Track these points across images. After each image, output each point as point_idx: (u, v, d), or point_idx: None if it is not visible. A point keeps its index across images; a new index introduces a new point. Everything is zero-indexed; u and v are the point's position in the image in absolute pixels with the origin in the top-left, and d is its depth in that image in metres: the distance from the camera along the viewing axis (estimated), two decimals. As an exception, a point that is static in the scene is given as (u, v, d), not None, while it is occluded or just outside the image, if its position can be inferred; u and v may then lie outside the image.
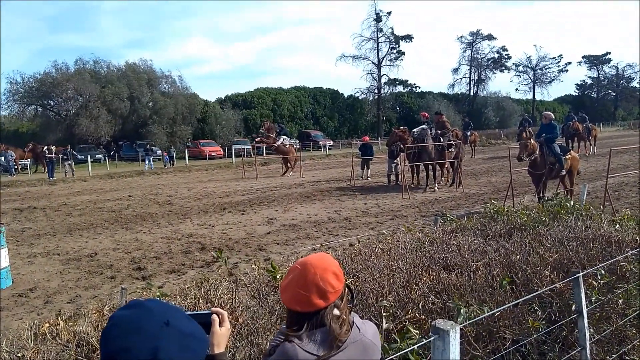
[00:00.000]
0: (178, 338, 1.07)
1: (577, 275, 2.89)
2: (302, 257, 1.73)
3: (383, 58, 54.77)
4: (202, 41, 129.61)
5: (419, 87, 59.41)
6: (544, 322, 2.94)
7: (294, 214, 11.61)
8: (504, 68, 65.51)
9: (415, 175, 16.28)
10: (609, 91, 75.68)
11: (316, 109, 51.75)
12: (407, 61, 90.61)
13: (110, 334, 1.06)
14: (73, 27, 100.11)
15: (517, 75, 68.39)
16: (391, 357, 2.21)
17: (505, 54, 64.50)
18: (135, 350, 1.02)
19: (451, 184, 15.52)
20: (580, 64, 73.66)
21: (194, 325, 1.16)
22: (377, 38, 54.38)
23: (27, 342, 2.87)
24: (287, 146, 21.11)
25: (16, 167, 26.98)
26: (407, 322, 2.70)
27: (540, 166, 10.25)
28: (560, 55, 68.33)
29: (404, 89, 57.80)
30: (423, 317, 2.83)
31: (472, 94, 64.86)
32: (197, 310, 2.55)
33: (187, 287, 3.65)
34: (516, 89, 71.17)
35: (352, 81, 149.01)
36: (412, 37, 55.47)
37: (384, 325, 2.65)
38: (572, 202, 6.04)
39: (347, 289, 1.63)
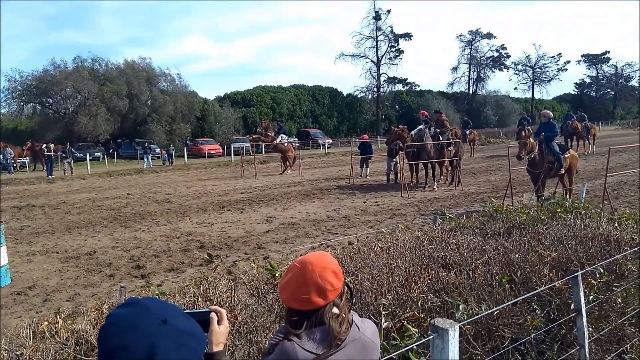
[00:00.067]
0: (175, 336, 1.07)
1: (576, 274, 2.89)
2: (301, 255, 1.73)
3: (382, 56, 54.80)
4: (200, 39, 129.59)
5: (418, 86, 59.50)
6: (543, 321, 2.95)
7: (293, 213, 11.61)
8: (503, 67, 65.56)
9: (414, 173, 16.29)
10: (608, 90, 75.75)
11: (315, 108, 51.73)
12: (406, 60, 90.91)
13: (108, 332, 1.06)
14: (73, 25, 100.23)
15: (517, 74, 68.53)
16: (390, 355, 2.21)
17: (505, 53, 64.58)
18: (133, 348, 1.02)
19: (450, 182, 15.52)
20: (579, 63, 73.82)
21: (192, 323, 1.16)
22: (377, 36, 54.39)
23: (25, 341, 2.86)
24: (286, 145, 21.10)
25: (15, 165, 26.93)
26: (406, 321, 2.70)
27: (539, 165, 10.25)
28: (560, 54, 68.55)
29: (403, 87, 57.83)
30: (422, 315, 2.83)
31: (471, 92, 64.90)
32: (195, 309, 2.55)
33: (186, 286, 3.65)
34: (515, 88, 71.23)
35: (351, 80, 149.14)
36: (411, 36, 55.48)
37: (383, 324, 2.65)
38: (570, 201, 6.05)
39: (346, 288, 1.62)
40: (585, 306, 2.94)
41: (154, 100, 38.76)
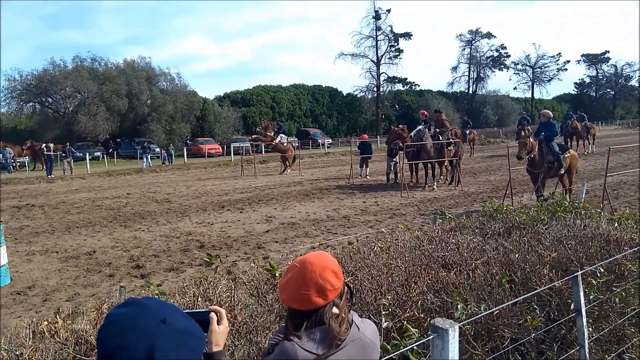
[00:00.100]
0: (175, 336, 1.07)
1: (576, 274, 2.89)
2: (301, 255, 1.73)
3: (382, 56, 54.81)
4: (200, 39, 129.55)
5: (418, 85, 59.51)
6: (542, 321, 2.94)
7: (292, 212, 11.61)
8: (503, 67, 65.59)
9: (414, 173, 16.29)
10: (608, 90, 75.78)
11: (315, 107, 51.74)
12: (406, 59, 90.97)
13: (107, 332, 1.06)
14: (72, 25, 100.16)
15: (516, 73, 68.56)
16: (390, 355, 2.21)
17: (505, 53, 64.60)
18: (132, 348, 1.01)
19: (450, 182, 15.52)
20: (579, 63, 73.88)
21: (191, 323, 1.16)
22: (376, 36, 54.41)
23: (25, 340, 2.86)
24: (285, 144, 21.10)
25: (14, 164, 26.91)
26: (406, 321, 2.70)
27: (539, 164, 10.25)
28: (559, 53, 68.61)
29: (403, 87, 57.85)
30: (422, 315, 2.83)
31: (471, 92, 64.90)
32: (195, 309, 2.55)
33: (186, 286, 3.64)
34: (514, 88, 71.25)
35: (351, 79, 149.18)
36: (411, 35, 55.49)
37: (383, 324, 2.65)
38: (570, 201, 6.05)
39: (346, 288, 1.62)
40: (585, 306, 2.94)
41: (153, 100, 38.75)
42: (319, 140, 40.46)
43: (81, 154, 28.09)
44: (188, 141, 36.51)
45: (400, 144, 15.25)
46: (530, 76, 68.22)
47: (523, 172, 12.24)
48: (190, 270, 7.07)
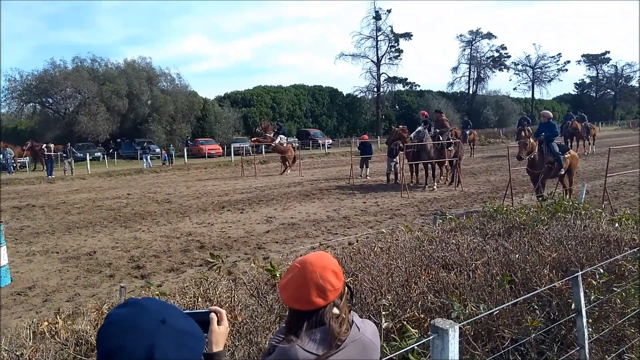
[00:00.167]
0: (174, 336, 1.07)
1: (576, 275, 2.89)
2: (301, 255, 1.73)
3: (382, 56, 54.80)
4: (200, 39, 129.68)
5: (418, 86, 59.43)
6: (543, 321, 2.94)
7: (293, 213, 11.61)
8: (503, 67, 65.57)
9: (414, 174, 16.29)
10: (608, 90, 75.76)
11: (315, 108, 51.73)
12: (406, 60, 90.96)
13: (107, 332, 1.06)
14: (72, 25, 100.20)
15: (517, 74, 68.54)
16: (390, 356, 2.21)
17: (505, 53, 64.59)
18: (131, 349, 1.02)
19: (450, 182, 15.52)
20: (579, 63, 73.84)
21: (191, 324, 1.16)
22: (377, 36, 54.40)
23: (25, 341, 2.86)
24: (285, 145, 21.10)
25: (15, 165, 26.92)
26: (406, 321, 2.70)
27: (539, 165, 10.25)
28: (559, 54, 68.62)
29: (403, 87, 57.81)
30: (422, 316, 2.83)
31: (471, 92, 64.90)
32: (195, 309, 2.55)
33: (186, 286, 3.65)
34: (514, 88, 71.26)
35: (351, 80, 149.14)
36: (412, 35, 55.46)
37: (383, 324, 2.65)
38: (570, 201, 6.05)
39: (346, 288, 1.62)
40: (585, 307, 2.94)
41: (154, 100, 38.76)
42: (319, 141, 40.44)
43: (81, 155, 28.11)
44: (188, 141, 36.53)
45: (401, 145, 15.25)
46: (531, 76, 68.22)
47: (523, 172, 12.24)
48: (191, 271, 7.08)
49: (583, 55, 73.57)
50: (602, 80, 75.33)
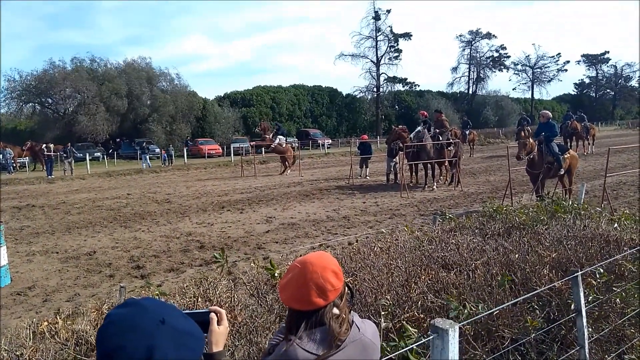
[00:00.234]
0: (174, 336, 1.07)
1: (575, 274, 2.89)
2: (301, 255, 1.73)
3: (382, 56, 54.82)
4: (200, 39, 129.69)
5: (418, 86, 59.44)
6: (542, 321, 2.95)
7: (292, 213, 11.61)
8: (502, 67, 65.59)
9: (414, 174, 16.30)
10: (608, 90, 75.79)
11: (315, 108, 51.75)
12: (406, 60, 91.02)
13: (106, 333, 1.06)
14: (72, 25, 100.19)
15: (516, 74, 68.58)
16: (390, 356, 2.21)
17: (504, 53, 64.62)
18: (131, 349, 1.02)
19: (450, 182, 15.52)
20: (578, 63, 73.92)
21: (190, 323, 1.16)
22: (376, 36, 54.42)
23: (25, 341, 2.86)
24: (284, 145, 21.10)
25: (14, 165, 26.92)
26: (405, 321, 2.70)
27: (538, 165, 10.25)
28: (559, 54, 68.66)
29: (403, 87, 57.82)
30: (422, 315, 2.83)
31: (470, 92, 64.91)
32: (195, 309, 2.55)
33: (186, 286, 3.64)
34: (513, 88, 71.33)
35: (351, 80, 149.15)
36: (411, 35, 55.49)
37: (383, 324, 2.65)
38: (569, 201, 6.05)
39: (346, 288, 1.62)
40: (585, 306, 2.94)
41: (154, 100, 38.76)
42: (318, 141, 40.44)
43: (81, 155, 28.11)
44: (188, 141, 36.54)
45: (400, 144, 15.26)
46: (530, 77, 68.28)
47: (523, 172, 12.24)
48: (190, 271, 7.08)
49: (583, 55, 73.74)
50: (601, 80, 75.37)
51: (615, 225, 4.58)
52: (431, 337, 1.92)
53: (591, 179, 14.60)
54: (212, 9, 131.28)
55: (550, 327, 3.00)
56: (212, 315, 1.40)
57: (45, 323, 3.06)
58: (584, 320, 2.90)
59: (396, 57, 55.12)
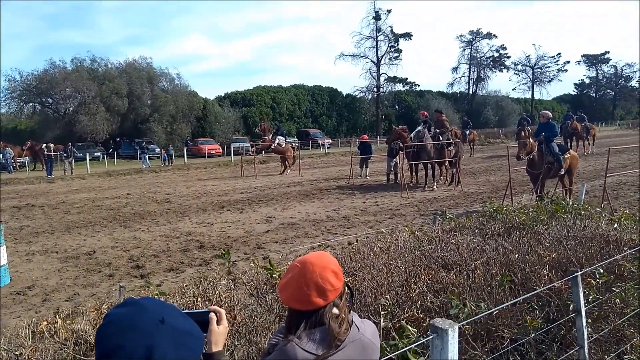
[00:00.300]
0: (173, 336, 1.07)
1: (575, 275, 2.89)
2: (301, 255, 1.73)
3: (382, 56, 54.82)
4: (200, 39, 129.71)
5: (418, 86, 59.43)
6: (542, 321, 2.94)
7: (292, 213, 11.61)
8: (503, 67, 65.57)
9: (414, 174, 16.30)
10: (608, 90, 75.79)
11: (315, 108, 51.74)
12: (406, 60, 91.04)
13: (105, 332, 1.06)
14: (73, 25, 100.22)
15: (516, 74, 68.56)
16: (390, 355, 2.21)
17: (505, 53, 64.60)
18: (130, 348, 1.01)
19: (450, 182, 15.52)
20: (579, 64, 73.89)
21: (190, 323, 1.16)
22: (377, 36, 54.42)
23: (25, 340, 2.86)
24: (284, 145, 21.10)
25: (14, 164, 26.92)
26: (405, 321, 2.70)
27: (538, 165, 10.25)
28: (559, 54, 68.63)
29: (403, 87, 57.81)
30: (421, 315, 2.83)
31: (471, 92, 64.91)
32: (195, 309, 2.54)
33: (186, 286, 3.64)
34: (513, 89, 71.33)
35: (351, 80, 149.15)
36: (411, 35, 55.48)
37: (382, 324, 2.65)
38: (570, 201, 6.05)
39: (346, 288, 1.62)
40: (585, 307, 2.94)
41: (154, 100, 38.75)
42: (319, 141, 40.44)
43: (81, 154, 28.11)
44: (188, 141, 36.54)
45: (401, 144, 15.26)
46: (530, 77, 68.28)
47: (523, 172, 12.24)
48: (190, 271, 7.07)
49: (583, 56, 73.73)
50: (601, 81, 75.36)
51: (615, 225, 4.58)
52: (431, 337, 1.92)
53: (591, 179, 14.60)
54: (212, 9, 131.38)
55: (549, 327, 2.99)
56: (212, 314, 1.40)
57: (45, 322, 3.06)
58: (584, 320, 2.90)
59: (396, 57, 55.15)
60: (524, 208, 5.84)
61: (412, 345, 2.27)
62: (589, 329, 3.03)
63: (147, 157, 27.75)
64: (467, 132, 25.75)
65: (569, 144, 22.48)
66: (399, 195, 13.48)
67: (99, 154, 32.87)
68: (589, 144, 25.69)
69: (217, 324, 1.39)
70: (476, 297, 2.99)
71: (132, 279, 6.86)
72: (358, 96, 55.21)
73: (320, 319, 1.50)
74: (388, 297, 2.97)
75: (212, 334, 1.37)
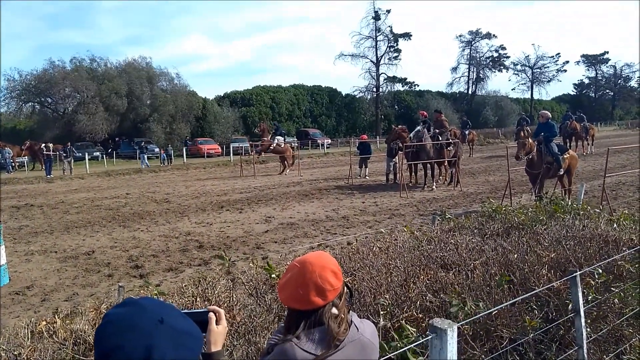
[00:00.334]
0: (172, 336, 1.07)
1: (574, 275, 2.89)
2: (300, 255, 1.73)
3: (382, 56, 54.81)
4: (200, 39, 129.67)
5: (418, 86, 59.42)
6: (541, 321, 2.95)
7: (291, 213, 11.60)
8: (502, 67, 65.60)
9: (413, 174, 16.30)
10: (607, 90, 75.84)
11: (314, 108, 51.74)
12: (405, 60, 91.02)
13: (104, 332, 1.06)
14: (72, 25, 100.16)
15: (516, 74, 68.59)
16: (389, 355, 2.21)
17: (504, 53, 64.63)
18: (129, 348, 1.01)
19: (449, 182, 15.53)
20: (578, 64, 73.95)
21: (189, 323, 1.16)
22: (376, 36, 54.40)
23: (24, 340, 2.86)
24: (283, 145, 21.09)
25: (13, 164, 26.90)
26: (404, 321, 2.70)
27: (538, 165, 10.26)
28: (558, 54, 68.64)
29: (402, 87, 57.80)
30: (420, 315, 2.83)
31: (470, 92, 64.93)
32: (194, 309, 2.54)
33: (185, 286, 3.64)
34: (512, 89, 71.39)
35: (350, 80, 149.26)
36: (411, 35, 55.46)
37: (381, 324, 2.65)
38: (569, 201, 6.05)
39: (345, 288, 1.62)
40: (584, 307, 2.94)
41: (154, 100, 38.73)
42: (318, 141, 40.44)
43: (80, 154, 28.08)
44: (187, 141, 36.52)
45: (400, 144, 15.26)
46: (530, 77, 68.32)
47: (522, 172, 12.25)
48: (189, 271, 7.07)
49: (582, 56, 73.78)
50: (601, 81, 75.43)
51: (614, 225, 4.59)
52: (430, 337, 1.92)
53: (590, 179, 14.61)
54: (212, 9, 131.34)
55: (548, 327, 3.00)
56: (211, 314, 1.40)
57: (44, 322, 3.06)
58: (583, 320, 2.90)
59: (396, 57, 55.14)
60: (523, 208, 5.84)
61: (411, 345, 2.27)
62: (588, 329, 3.04)
63: (146, 156, 27.74)
64: (467, 132, 25.77)
65: (568, 144, 22.48)
66: (398, 195, 13.48)
67: (98, 153, 32.83)
68: (588, 144, 25.71)
69: (216, 324, 1.39)
70: (475, 297, 2.99)
71: (131, 279, 6.86)
72: (357, 96, 55.23)
73: (320, 318, 1.50)
74: (387, 297, 2.97)
75: (211, 334, 1.37)
